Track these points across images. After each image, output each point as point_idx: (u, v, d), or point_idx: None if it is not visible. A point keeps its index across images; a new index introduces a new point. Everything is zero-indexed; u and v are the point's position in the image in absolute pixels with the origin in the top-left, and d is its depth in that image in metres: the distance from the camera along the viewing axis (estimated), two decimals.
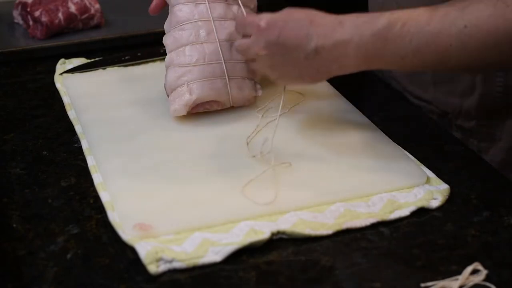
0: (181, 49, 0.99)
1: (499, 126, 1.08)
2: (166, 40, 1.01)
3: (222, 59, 0.99)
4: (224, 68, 0.99)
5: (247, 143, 0.94)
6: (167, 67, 1.00)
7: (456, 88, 1.09)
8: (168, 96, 1.00)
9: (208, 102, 0.99)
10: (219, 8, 1.00)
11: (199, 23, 0.99)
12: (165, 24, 1.02)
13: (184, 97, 0.98)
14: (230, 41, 0.99)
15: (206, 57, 0.98)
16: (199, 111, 1.00)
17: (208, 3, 0.99)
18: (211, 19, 0.99)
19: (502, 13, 0.83)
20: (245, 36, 0.92)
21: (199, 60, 0.98)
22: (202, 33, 0.99)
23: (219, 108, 1.01)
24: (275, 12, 0.89)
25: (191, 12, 0.99)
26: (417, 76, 1.13)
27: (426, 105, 1.13)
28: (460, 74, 1.07)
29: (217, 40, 0.99)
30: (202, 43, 0.98)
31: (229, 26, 0.99)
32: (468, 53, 0.85)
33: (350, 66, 0.88)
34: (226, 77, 0.99)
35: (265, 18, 0.88)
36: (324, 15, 0.87)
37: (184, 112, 0.98)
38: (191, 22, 0.99)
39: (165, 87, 1.00)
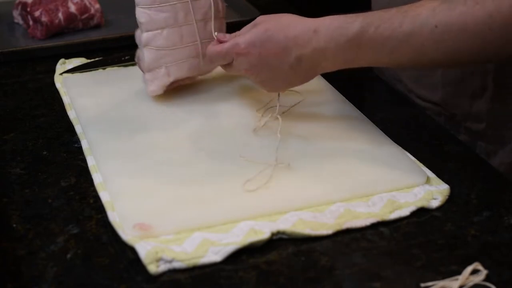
0: (158, 31, 1.00)
1: (509, 128, 1.08)
2: (141, 18, 1.00)
3: (199, 40, 1.02)
4: (200, 47, 1.02)
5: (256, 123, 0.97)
6: (142, 46, 1.02)
7: (466, 89, 1.08)
8: (143, 72, 1.03)
9: (181, 79, 1.05)
10: None
11: (178, 5, 1.00)
12: None
13: (163, 79, 1.02)
14: (205, 20, 1.02)
15: (183, 39, 1.01)
16: (173, 87, 1.05)
17: None
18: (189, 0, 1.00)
19: (471, 11, 0.84)
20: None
21: (177, 44, 1.01)
22: (180, 15, 1.00)
23: (189, 82, 1.07)
24: (244, 31, 0.93)
25: None
26: (426, 78, 1.12)
27: (433, 106, 1.12)
28: (471, 75, 1.07)
29: (194, 22, 1.01)
30: (180, 26, 1.00)
31: (204, 5, 1.01)
32: (441, 52, 0.86)
33: (332, 67, 0.91)
34: (201, 55, 1.03)
35: (242, 42, 0.91)
36: (298, 22, 0.90)
37: (161, 92, 1.03)
38: (170, 4, 1.00)
39: (139, 64, 1.03)
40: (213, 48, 0.95)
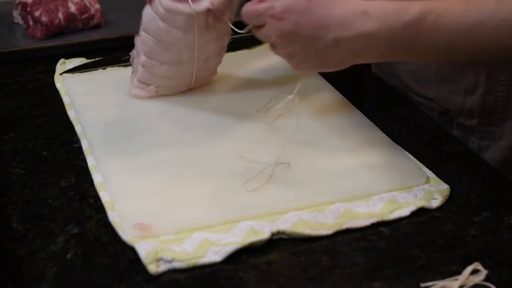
0: (157, 63, 1.00)
1: (500, 125, 1.08)
2: (143, 43, 1.00)
3: (195, 73, 1.02)
4: (193, 78, 1.03)
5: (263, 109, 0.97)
6: (139, 62, 1.02)
7: (459, 86, 1.08)
8: (132, 69, 1.04)
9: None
10: (206, 35, 0.98)
11: (184, 49, 0.99)
12: (145, 11, 1.00)
13: (150, 93, 1.04)
14: (207, 58, 1.01)
15: (181, 74, 1.01)
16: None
17: (197, 31, 0.97)
18: (196, 45, 0.98)
19: None
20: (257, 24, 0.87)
21: (173, 77, 1.02)
22: (184, 56, 0.99)
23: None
24: None
25: (179, 40, 0.98)
26: (420, 73, 1.12)
27: (428, 102, 1.12)
28: (464, 72, 1.06)
29: (195, 61, 1.00)
30: (181, 64, 1.00)
31: (210, 47, 1.00)
32: (504, 49, 0.80)
33: (373, 57, 0.84)
34: (194, 76, 1.03)
35: (279, 6, 0.83)
36: (346, 0, 0.81)
37: (143, 98, 1.04)
38: (176, 46, 0.99)
39: (132, 62, 1.04)
40: (249, 6, 0.87)
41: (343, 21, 0.80)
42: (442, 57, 0.83)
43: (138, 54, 1.02)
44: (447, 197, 0.86)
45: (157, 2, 0.96)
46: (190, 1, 0.94)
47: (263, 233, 0.79)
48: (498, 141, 1.09)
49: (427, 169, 0.91)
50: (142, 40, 1.00)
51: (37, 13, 1.25)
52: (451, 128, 1.10)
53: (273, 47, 0.87)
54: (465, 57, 0.83)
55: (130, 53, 1.05)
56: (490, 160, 1.03)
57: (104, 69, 1.16)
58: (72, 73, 1.15)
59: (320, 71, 0.88)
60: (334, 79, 1.11)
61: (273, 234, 0.80)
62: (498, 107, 1.06)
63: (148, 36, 0.99)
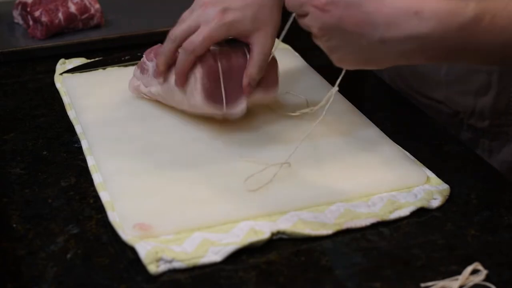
0: (151, 89, 1.01)
1: None
2: (142, 79, 1.01)
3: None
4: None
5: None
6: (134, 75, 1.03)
7: (470, 87, 1.07)
8: (137, 70, 1.03)
9: None
10: None
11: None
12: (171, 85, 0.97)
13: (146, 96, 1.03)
14: None
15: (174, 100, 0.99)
16: None
17: None
18: None
19: None
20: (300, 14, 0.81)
21: (168, 101, 1.00)
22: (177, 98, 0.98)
23: None
24: None
25: None
26: (430, 76, 1.11)
27: (436, 104, 1.11)
28: (476, 73, 1.04)
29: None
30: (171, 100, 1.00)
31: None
32: None
33: (421, 59, 0.80)
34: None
35: None
36: None
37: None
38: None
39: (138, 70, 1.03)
40: None
41: (393, 20, 0.75)
42: (494, 59, 0.79)
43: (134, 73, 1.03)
44: (447, 197, 0.86)
45: (191, 91, 0.93)
46: (224, 104, 0.93)
47: (263, 233, 0.79)
48: (510, 143, 1.07)
49: (427, 169, 0.91)
50: (138, 76, 1.02)
51: (37, 13, 1.25)
52: (460, 130, 1.09)
53: (315, 37, 0.82)
54: None
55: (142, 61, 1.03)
56: (502, 162, 1.02)
57: (104, 69, 1.16)
58: (72, 73, 1.15)
59: (362, 68, 0.83)
60: (334, 79, 1.10)
61: (273, 234, 0.80)
62: (510, 108, 1.06)
63: (142, 78, 1.01)
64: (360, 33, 0.76)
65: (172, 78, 0.95)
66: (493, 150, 1.08)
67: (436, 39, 0.75)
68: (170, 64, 0.95)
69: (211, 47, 0.93)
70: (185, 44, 0.92)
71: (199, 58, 0.92)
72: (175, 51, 0.94)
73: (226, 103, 0.93)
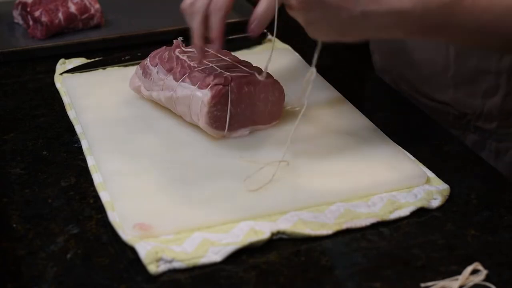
0: (148, 96, 1.01)
1: None
2: (144, 81, 1.01)
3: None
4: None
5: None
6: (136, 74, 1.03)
7: (478, 89, 1.06)
8: (139, 69, 1.03)
9: None
10: None
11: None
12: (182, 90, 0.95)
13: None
14: None
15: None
16: None
17: None
18: None
19: None
20: None
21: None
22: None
23: None
24: None
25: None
26: (436, 78, 1.10)
27: (442, 106, 1.10)
28: (484, 74, 1.04)
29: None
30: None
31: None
32: None
33: (399, 34, 0.80)
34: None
35: None
36: None
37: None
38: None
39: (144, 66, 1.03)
40: None
41: None
42: (474, 40, 0.80)
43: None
44: (447, 197, 0.86)
45: (196, 112, 0.93)
46: (226, 130, 0.94)
47: (263, 233, 0.79)
48: None
49: (427, 169, 0.91)
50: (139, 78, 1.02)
51: (37, 13, 1.25)
52: (467, 132, 1.09)
53: (291, 9, 0.80)
54: (498, 42, 0.80)
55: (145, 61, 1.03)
56: (509, 163, 1.02)
57: (104, 69, 1.16)
58: (72, 73, 1.15)
59: (338, 40, 0.82)
60: (334, 79, 1.11)
61: (273, 234, 0.80)
62: None
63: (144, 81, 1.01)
64: (342, 6, 0.76)
65: (177, 88, 0.95)
66: (500, 151, 1.08)
67: (416, 15, 0.76)
68: (179, 77, 0.95)
69: (224, 71, 0.93)
70: (212, 7, 0.86)
71: (209, 80, 0.91)
72: (204, 21, 0.88)
73: (229, 129, 0.94)
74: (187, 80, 0.94)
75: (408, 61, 1.13)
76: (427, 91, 1.12)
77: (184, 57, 0.97)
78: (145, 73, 1.01)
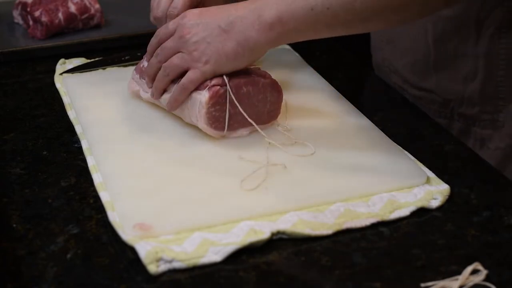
0: (147, 99, 1.01)
1: (502, 111, 1.08)
2: (141, 84, 1.01)
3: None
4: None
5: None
6: (133, 78, 1.04)
7: (458, 73, 1.09)
8: (135, 73, 1.03)
9: None
10: None
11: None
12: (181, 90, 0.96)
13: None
14: None
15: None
16: None
17: None
18: None
19: None
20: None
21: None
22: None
23: None
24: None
25: None
26: (419, 64, 1.13)
27: (428, 94, 1.13)
28: (462, 58, 1.07)
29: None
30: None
31: None
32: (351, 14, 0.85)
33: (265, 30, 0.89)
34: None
35: (171, 23, 0.93)
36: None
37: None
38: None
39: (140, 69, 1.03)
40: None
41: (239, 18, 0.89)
42: (325, 16, 0.87)
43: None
44: (447, 197, 0.86)
45: (195, 114, 0.94)
46: (225, 130, 0.94)
47: (263, 233, 0.79)
48: (501, 129, 1.08)
49: (427, 169, 0.91)
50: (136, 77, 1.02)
51: (37, 13, 1.25)
52: (452, 121, 1.10)
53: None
54: (342, 9, 0.86)
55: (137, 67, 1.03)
56: (495, 150, 1.03)
57: (104, 69, 1.16)
58: (72, 73, 1.15)
59: (232, 66, 0.92)
60: (335, 79, 1.11)
61: (273, 234, 0.80)
62: (499, 93, 1.06)
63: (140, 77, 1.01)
64: (215, 17, 0.90)
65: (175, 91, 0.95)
66: (485, 138, 1.09)
67: (269, 3, 0.88)
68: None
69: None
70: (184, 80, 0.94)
71: (207, 81, 0.92)
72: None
73: (228, 130, 0.94)
74: None
75: (395, 51, 1.18)
76: (414, 79, 1.15)
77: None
78: (142, 76, 1.01)
